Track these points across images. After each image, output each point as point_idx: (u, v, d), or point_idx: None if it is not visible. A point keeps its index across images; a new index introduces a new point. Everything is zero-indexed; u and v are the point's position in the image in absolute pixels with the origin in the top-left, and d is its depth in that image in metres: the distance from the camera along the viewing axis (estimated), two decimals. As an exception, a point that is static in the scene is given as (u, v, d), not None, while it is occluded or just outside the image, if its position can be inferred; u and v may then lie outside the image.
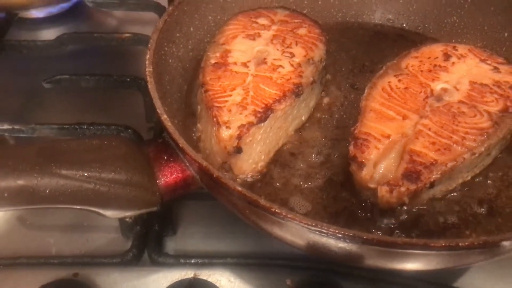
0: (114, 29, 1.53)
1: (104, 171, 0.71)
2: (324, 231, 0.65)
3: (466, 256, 0.72)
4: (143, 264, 0.97)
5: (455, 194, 0.93)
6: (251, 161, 0.95)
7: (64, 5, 1.48)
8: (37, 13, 1.47)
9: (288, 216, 0.68)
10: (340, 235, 0.65)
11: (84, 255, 0.97)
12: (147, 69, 0.91)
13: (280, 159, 0.99)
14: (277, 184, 0.94)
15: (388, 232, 0.86)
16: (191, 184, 0.80)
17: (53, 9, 1.46)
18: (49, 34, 1.46)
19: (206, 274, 0.94)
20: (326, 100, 1.10)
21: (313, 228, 0.65)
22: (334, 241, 0.69)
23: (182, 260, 0.95)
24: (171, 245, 1.01)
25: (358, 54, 1.23)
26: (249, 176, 0.95)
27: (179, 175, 0.79)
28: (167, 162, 0.79)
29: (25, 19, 1.48)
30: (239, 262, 0.95)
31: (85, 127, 1.05)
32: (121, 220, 1.00)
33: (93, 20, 1.56)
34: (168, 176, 0.78)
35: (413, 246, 0.65)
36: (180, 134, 0.87)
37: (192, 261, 0.95)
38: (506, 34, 1.18)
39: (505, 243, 0.64)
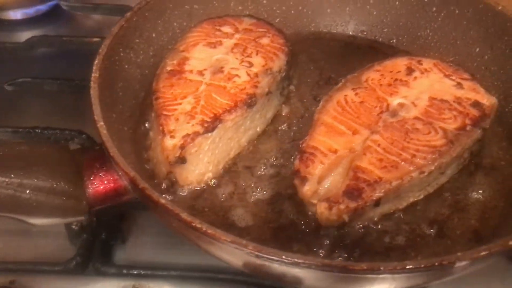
0: (93, 32, 1.53)
1: (26, 177, 0.70)
2: (232, 247, 0.63)
3: (395, 280, 0.69)
4: (89, 273, 0.95)
5: (405, 213, 0.90)
6: (198, 171, 0.93)
7: (41, 7, 1.48)
8: (13, 14, 1.47)
9: (208, 231, 0.66)
10: (253, 254, 0.63)
11: (27, 261, 0.95)
12: (92, 75, 0.90)
13: (230, 171, 0.97)
14: (223, 195, 0.92)
15: (329, 250, 0.83)
16: (123, 195, 0.79)
17: (29, 11, 1.46)
18: (27, 36, 1.45)
19: (146, 286, 0.91)
20: (285, 111, 1.08)
21: (223, 244, 0.63)
22: (255, 259, 0.66)
23: (124, 271, 0.94)
24: (121, 254, 1.00)
25: (326, 66, 1.20)
26: (195, 187, 0.93)
27: (110, 184, 0.77)
28: (99, 170, 0.77)
29: (3, 20, 1.48)
30: (182, 275, 0.93)
31: (39, 131, 1.05)
32: (68, 227, 0.98)
33: (73, 23, 1.56)
34: (98, 185, 0.76)
35: (332, 267, 0.62)
36: (120, 142, 0.86)
37: (135, 272, 0.93)
38: (477, 49, 1.15)
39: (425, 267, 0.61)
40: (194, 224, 0.67)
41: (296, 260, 0.62)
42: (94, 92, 0.86)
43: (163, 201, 0.69)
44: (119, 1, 1.48)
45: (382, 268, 0.62)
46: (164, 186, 0.91)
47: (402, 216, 0.89)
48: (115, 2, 1.49)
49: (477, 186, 0.95)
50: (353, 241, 0.85)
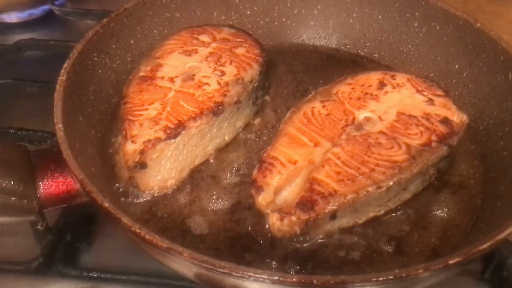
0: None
1: (-24, 175, 0.71)
2: (169, 253, 0.63)
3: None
4: (51, 274, 0.95)
5: (364, 228, 0.89)
6: (160, 177, 0.93)
7: (35, 12, 1.51)
8: (8, 18, 1.50)
9: (146, 237, 0.66)
10: (188, 261, 0.63)
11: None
12: (59, 78, 0.91)
13: (193, 177, 0.97)
14: (183, 202, 0.92)
15: (282, 261, 0.83)
16: (76, 197, 0.79)
17: (23, 14, 1.49)
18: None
19: (102, 289, 0.92)
20: (257, 121, 1.08)
21: (161, 250, 0.63)
22: (192, 266, 0.66)
23: (85, 273, 0.93)
24: (87, 257, 1.00)
25: (304, 78, 1.20)
26: (157, 192, 0.93)
27: (63, 186, 0.78)
28: (53, 172, 0.78)
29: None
30: (141, 280, 0.92)
31: (13, 131, 1.06)
32: (33, 227, 0.99)
33: (65, 27, 1.58)
34: (50, 186, 0.77)
35: (265, 278, 0.62)
36: (83, 145, 0.87)
37: (95, 275, 0.93)
38: (457, 66, 1.14)
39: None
40: (133, 229, 0.67)
41: (228, 270, 0.62)
42: (58, 94, 0.87)
43: (106, 204, 0.70)
44: (110, 7, 1.51)
45: (314, 281, 0.61)
46: (123, 190, 0.92)
47: (360, 231, 0.88)
48: (106, 8, 1.51)
49: (442, 204, 0.94)
50: (308, 253, 0.84)
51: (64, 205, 0.80)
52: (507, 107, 1.00)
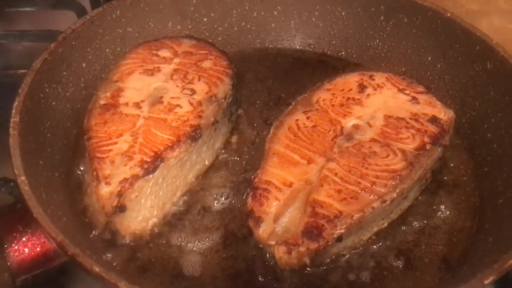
0: (21, 62, 1.39)
1: None
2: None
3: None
4: None
5: (369, 244, 0.83)
6: (141, 218, 0.84)
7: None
8: None
9: None
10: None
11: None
12: (11, 120, 0.79)
13: (177, 213, 0.88)
14: (172, 242, 0.83)
15: (293, 295, 0.76)
16: (54, 259, 0.69)
17: None
18: None
19: None
20: (235, 139, 1.00)
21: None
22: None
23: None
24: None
25: (274, 85, 1.13)
26: (139, 235, 0.84)
27: (36, 249, 0.67)
28: (23, 234, 0.67)
29: None
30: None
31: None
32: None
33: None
34: (22, 252, 0.66)
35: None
36: (49, 193, 0.77)
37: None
38: (429, 58, 1.10)
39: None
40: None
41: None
42: (13, 140, 0.76)
43: (97, 269, 0.60)
44: (49, 26, 1.37)
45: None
46: (101, 238, 0.81)
47: (366, 248, 0.83)
48: (44, 27, 1.37)
49: (441, 207, 0.90)
50: (317, 282, 0.78)
51: (41, 270, 0.69)
52: (489, 97, 0.98)
